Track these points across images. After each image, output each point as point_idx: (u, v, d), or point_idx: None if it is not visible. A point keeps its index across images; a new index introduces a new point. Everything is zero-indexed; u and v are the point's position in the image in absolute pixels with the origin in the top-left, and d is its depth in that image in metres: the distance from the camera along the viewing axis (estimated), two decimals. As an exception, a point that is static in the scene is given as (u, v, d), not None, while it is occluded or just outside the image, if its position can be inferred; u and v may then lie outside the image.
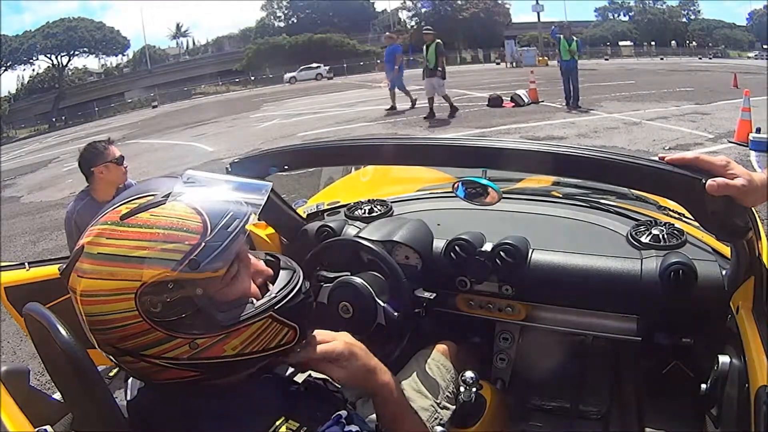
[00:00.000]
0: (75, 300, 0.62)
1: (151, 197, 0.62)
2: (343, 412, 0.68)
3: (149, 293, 0.59)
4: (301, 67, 31.87)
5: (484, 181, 1.20)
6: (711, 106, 8.61)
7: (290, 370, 0.79)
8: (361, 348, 0.81)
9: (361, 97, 14.12)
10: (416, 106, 9.79)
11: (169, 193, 0.63)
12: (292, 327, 0.68)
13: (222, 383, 0.68)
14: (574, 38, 9.13)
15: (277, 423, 0.63)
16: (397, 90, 9.97)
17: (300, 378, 0.78)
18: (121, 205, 0.62)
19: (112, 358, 0.65)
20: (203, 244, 0.60)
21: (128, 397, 0.72)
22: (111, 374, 0.81)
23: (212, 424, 0.64)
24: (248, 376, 0.70)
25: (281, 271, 0.72)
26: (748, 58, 29.83)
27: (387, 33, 12.30)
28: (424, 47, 8.50)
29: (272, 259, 0.75)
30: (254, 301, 0.66)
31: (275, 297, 0.67)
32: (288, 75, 31.52)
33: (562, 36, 9.12)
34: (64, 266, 0.64)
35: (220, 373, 0.65)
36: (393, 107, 10.21)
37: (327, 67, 32.04)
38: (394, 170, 2.28)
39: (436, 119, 8.69)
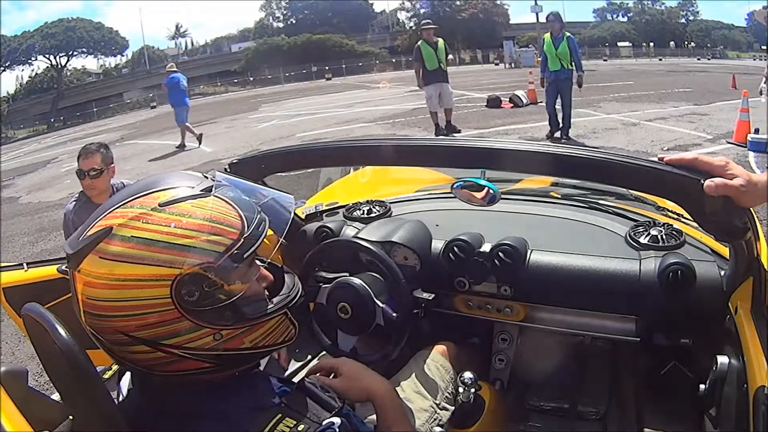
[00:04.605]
0: (85, 283, 0.61)
1: (189, 189, 0.63)
2: (336, 420, 0.69)
3: (187, 282, 0.60)
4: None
5: (483, 182, 1.20)
6: (709, 106, 8.62)
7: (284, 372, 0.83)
8: (348, 360, 0.93)
9: (359, 98, 14.10)
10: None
11: (209, 187, 0.64)
12: (295, 325, 0.74)
13: (217, 380, 0.69)
14: (566, 35, 6.17)
15: (274, 420, 0.65)
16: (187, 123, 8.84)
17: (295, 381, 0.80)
18: (148, 193, 0.62)
19: (113, 348, 0.64)
20: (242, 240, 0.63)
21: (119, 399, 0.73)
22: (105, 376, 0.81)
23: (209, 423, 0.65)
24: (243, 374, 0.73)
25: (286, 275, 0.77)
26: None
27: (169, 63, 10.32)
28: (421, 45, 6.72)
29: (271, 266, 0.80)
30: (269, 299, 0.71)
31: (289, 296, 0.73)
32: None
33: (549, 35, 6.23)
34: (81, 246, 0.61)
35: (231, 364, 0.68)
36: (184, 144, 9.21)
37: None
38: (392, 171, 2.28)
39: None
